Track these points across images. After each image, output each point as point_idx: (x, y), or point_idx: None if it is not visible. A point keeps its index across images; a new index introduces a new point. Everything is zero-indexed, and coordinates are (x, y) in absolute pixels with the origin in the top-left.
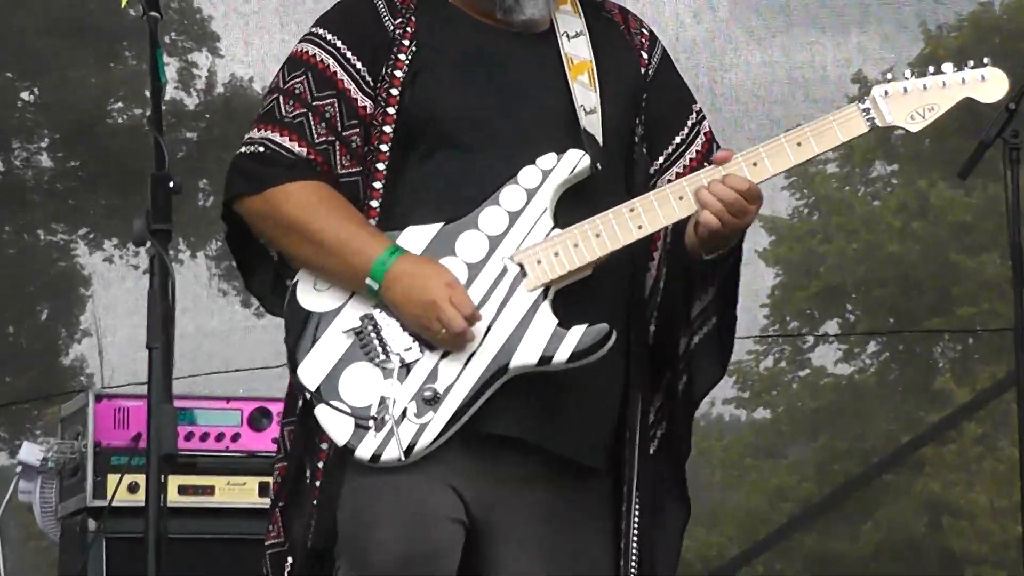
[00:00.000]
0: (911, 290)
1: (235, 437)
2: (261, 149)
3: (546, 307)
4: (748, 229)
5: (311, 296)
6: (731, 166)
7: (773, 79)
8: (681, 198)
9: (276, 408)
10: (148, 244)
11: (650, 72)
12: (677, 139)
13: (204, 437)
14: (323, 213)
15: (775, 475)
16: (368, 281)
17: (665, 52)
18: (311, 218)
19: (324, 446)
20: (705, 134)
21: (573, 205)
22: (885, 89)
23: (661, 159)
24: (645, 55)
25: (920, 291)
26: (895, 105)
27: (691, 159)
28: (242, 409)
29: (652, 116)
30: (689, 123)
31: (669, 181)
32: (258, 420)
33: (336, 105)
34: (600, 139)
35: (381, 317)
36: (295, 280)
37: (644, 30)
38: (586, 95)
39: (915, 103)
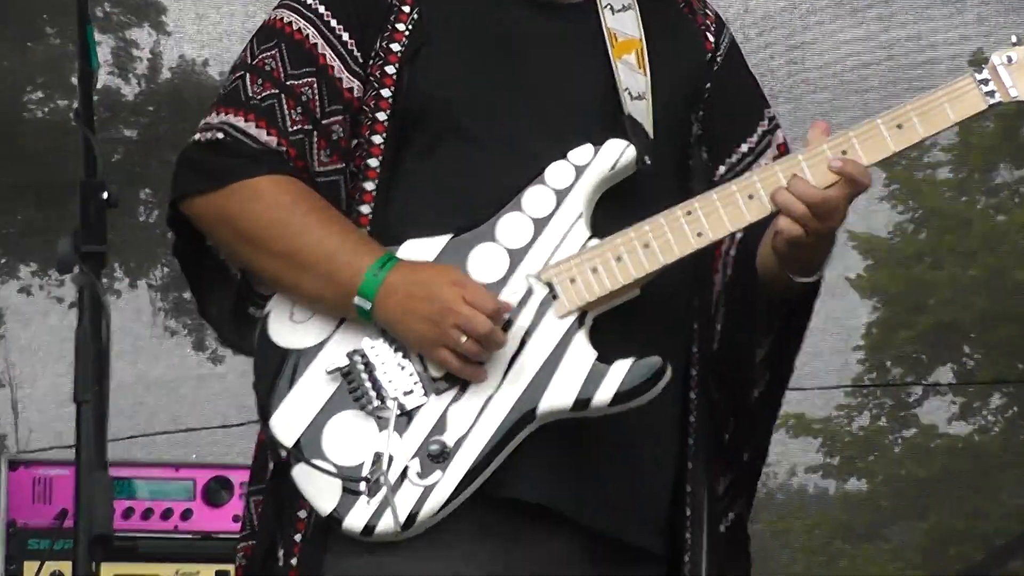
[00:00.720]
0: None
1: (186, 514)
2: (220, 136)
3: (582, 337)
4: (836, 249)
5: (287, 330)
6: (813, 156)
7: (868, 61)
8: (751, 197)
9: (239, 477)
10: (76, 270)
11: (717, 59)
12: (744, 147)
13: (147, 514)
14: (299, 216)
15: (873, 563)
16: (357, 301)
17: (734, 42)
18: (283, 223)
19: (302, 514)
20: (779, 146)
21: (615, 212)
22: (1009, 55)
23: (723, 168)
24: (712, 37)
25: None
26: (1021, 75)
27: None
28: (195, 479)
29: (715, 115)
30: (760, 130)
31: None
32: (215, 493)
33: (315, 86)
34: (650, 130)
35: (374, 353)
36: (267, 311)
37: (710, 11)
38: (633, 78)
39: None
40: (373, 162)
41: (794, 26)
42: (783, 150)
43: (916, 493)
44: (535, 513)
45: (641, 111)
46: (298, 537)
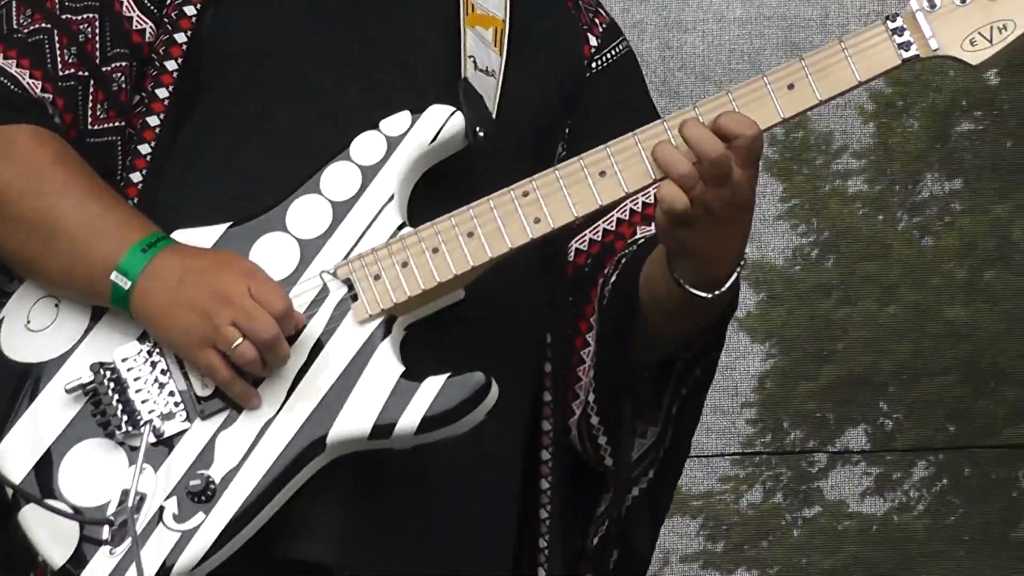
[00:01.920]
0: (985, 380)
1: None
2: None
3: (387, 349)
4: None
5: (22, 340)
6: (677, 118)
7: (762, 39)
8: (603, 174)
9: None
10: None
11: (595, 65)
12: None
13: None
14: (59, 175)
15: None
16: (114, 277)
17: (631, 56)
18: (37, 179)
19: (42, 562)
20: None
21: (442, 201)
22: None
23: None
24: (594, 41)
25: (1000, 381)
26: (945, 24)
27: (633, 211)
28: None
29: (585, 128)
30: None
31: (592, 241)
32: None
33: (97, 24)
34: (492, 108)
35: (127, 366)
36: (0, 316)
37: (602, 17)
38: (483, 51)
39: (978, 19)
40: (153, 120)
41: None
42: None
43: None
44: None
45: (487, 87)
46: None
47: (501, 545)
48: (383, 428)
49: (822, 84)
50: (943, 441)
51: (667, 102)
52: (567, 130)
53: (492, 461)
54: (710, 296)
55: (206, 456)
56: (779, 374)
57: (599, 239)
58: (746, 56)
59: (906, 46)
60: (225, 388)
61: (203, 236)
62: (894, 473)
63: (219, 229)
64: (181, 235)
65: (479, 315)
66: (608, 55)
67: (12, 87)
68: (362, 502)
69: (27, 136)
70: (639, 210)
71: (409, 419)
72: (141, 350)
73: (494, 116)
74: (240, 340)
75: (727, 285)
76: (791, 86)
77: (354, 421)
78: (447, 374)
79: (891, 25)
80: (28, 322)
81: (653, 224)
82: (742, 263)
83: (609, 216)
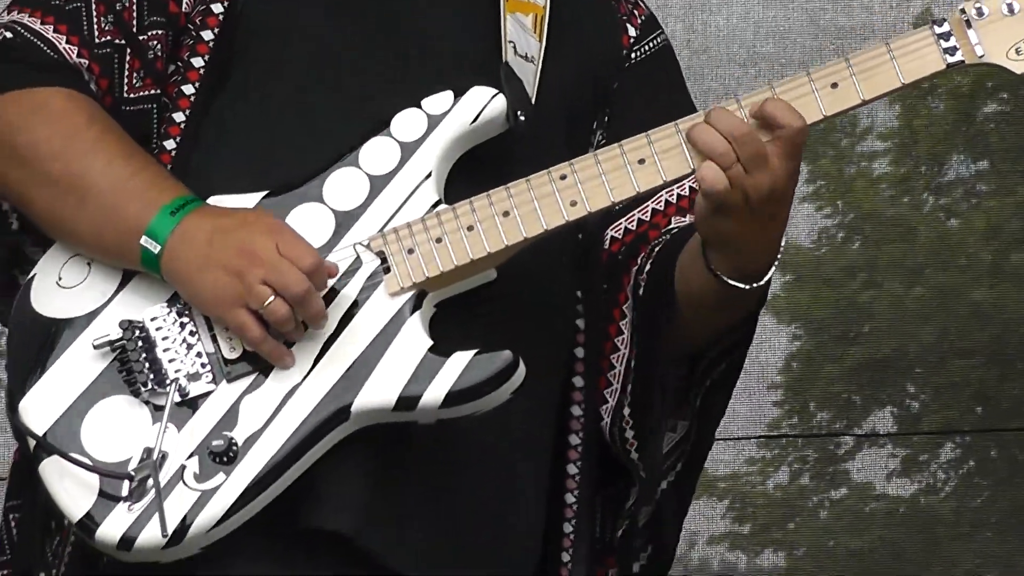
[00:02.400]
0: (1011, 362)
1: None
2: (7, 35)
3: (416, 322)
4: None
5: (52, 296)
6: (719, 110)
7: (788, 26)
8: (642, 161)
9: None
10: None
11: (634, 56)
12: None
13: None
14: (91, 135)
15: None
16: (144, 241)
17: (668, 49)
18: (69, 138)
19: (69, 551)
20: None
21: (479, 181)
22: (979, 6)
23: None
24: (632, 31)
25: None
26: (992, 32)
27: (668, 202)
28: None
29: (621, 120)
30: None
31: (627, 230)
32: None
33: None
34: (532, 93)
35: (155, 325)
36: (32, 274)
37: (642, 9)
38: (523, 37)
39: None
40: (188, 89)
41: None
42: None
43: (848, 569)
44: (344, 550)
45: (526, 72)
46: (65, 562)
47: (524, 526)
48: (408, 400)
49: (866, 85)
50: (970, 423)
51: (691, 85)
52: (607, 119)
53: (519, 442)
54: (747, 288)
55: (230, 418)
56: (805, 356)
57: (634, 228)
58: (771, 38)
59: (951, 51)
60: (256, 347)
61: (239, 203)
62: (921, 455)
63: (255, 197)
64: (216, 202)
65: (510, 295)
66: (647, 47)
67: (48, 51)
68: (387, 474)
69: (61, 98)
70: (674, 201)
71: (434, 393)
72: (171, 311)
73: (533, 101)
74: (272, 297)
75: (765, 279)
76: (835, 85)
77: (379, 392)
78: (475, 350)
79: (938, 30)
80: (59, 279)
81: (691, 214)
82: (778, 257)
83: (644, 206)
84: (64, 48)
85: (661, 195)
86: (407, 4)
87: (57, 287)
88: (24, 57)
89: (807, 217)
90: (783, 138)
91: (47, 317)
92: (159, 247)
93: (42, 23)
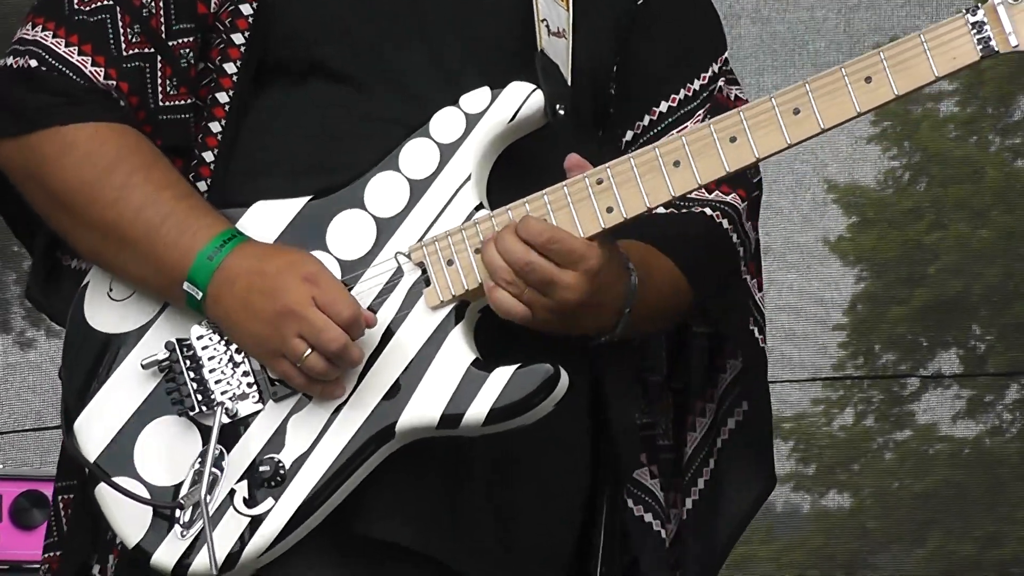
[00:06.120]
0: None
1: None
2: (32, 64)
3: (458, 336)
4: (812, 207)
5: (104, 309)
6: (722, 120)
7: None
8: (677, 164)
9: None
10: None
11: None
12: (663, 106)
13: None
14: (119, 177)
15: None
16: (187, 287)
17: None
18: (98, 185)
19: (119, 539)
20: (721, 99)
21: (517, 176)
22: None
23: (629, 135)
24: None
25: None
26: None
27: None
28: (1, 494)
29: (631, 64)
30: (693, 85)
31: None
32: (25, 512)
33: None
34: (567, 75)
35: (202, 344)
36: (85, 282)
37: None
38: (553, 8)
39: None
40: (223, 97)
41: None
42: (730, 104)
43: (912, 511)
44: (400, 556)
45: (559, 50)
46: (112, 565)
47: (573, 492)
48: (451, 419)
49: (899, 78)
50: None
51: None
52: (615, 77)
53: (563, 432)
54: (603, 340)
55: (277, 439)
56: (870, 298)
57: None
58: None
59: (985, 41)
60: (302, 391)
61: (283, 208)
62: (986, 396)
63: (299, 202)
64: (262, 206)
65: None
66: None
67: (75, 78)
68: (439, 477)
69: (89, 135)
70: None
71: (477, 410)
72: (216, 327)
73: (569, 83)
74: (308, 352)
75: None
76: (868, 79)
77: (423, 410)
78: (516, 365)
79: (971, 19)
80: (110, 290)
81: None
82: (627, 311)
83: None
84: (90, 72)
85: None
86: None
87: (108, 299)
88: (53, 88)
89: (873, 159)
90: (554, 254)
91: (100, 331)
92: (201, 293)
93: (66, 44)
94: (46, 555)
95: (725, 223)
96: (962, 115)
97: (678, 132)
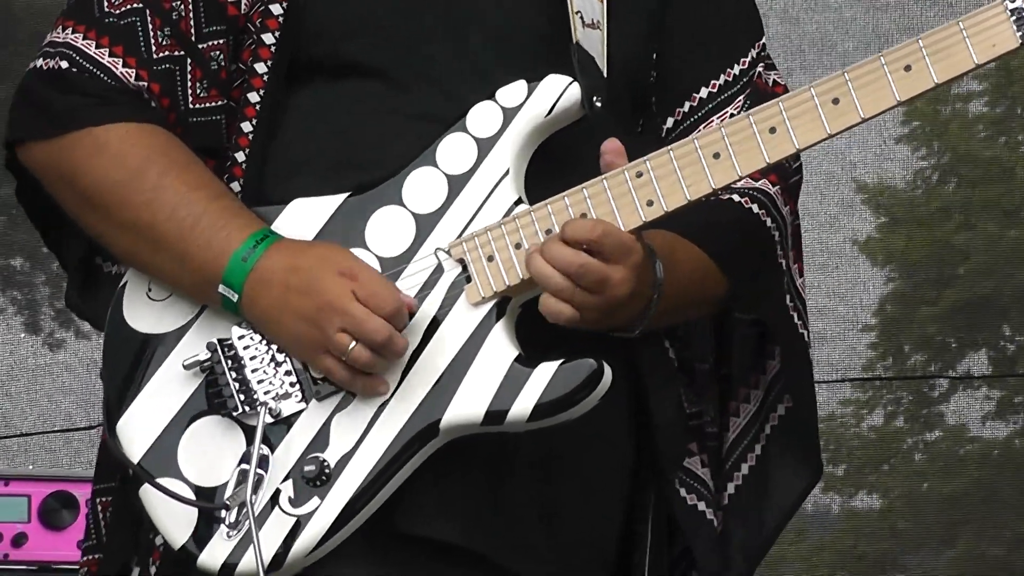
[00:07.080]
0: None
1: (18, 540)
2: (63, 65)
3: (500, 331)
4: (840, 207)
5: (143, 309)
6: (761, 111)
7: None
8: (717, 156)
9: (85, 493)
10: None
11: None
12: (703, 92)
13: None
14: (152, 178)
15: None
16: (222, 290)
17: None
18: (130, 186)
19: (159, 541)
20: (761, 85)
21: (554, 170)
22: None
23: (670, 121)
24: None
25: None
26: None
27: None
28: (31, 495)
29: (669, 51)
30: (733, 70)
31: None
32: (56, 513)
33: (190, 0)
34: (603, 66)
35: (243, 344)
36: (123, 282)
37: None
38: (587, 1)
39: None
40: (253, 96)
41: None
42: (767, 93)
43: (942, 513)
44: (448, 554)
45: (594, 41)
46: (153, 568)
47: (616, 487)
48: (496, 415)
49: (939, 67)
50: None
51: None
52: (655, 66)
53: (605, 427)
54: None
55: (321, 438)
56: (900, 298)
57: None
58: None
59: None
60: (346, 388)
61: (321, 206)
62: (1016, 397)
63: (337, 199)
64: (300, 204)
65: None
66: None
67: (106, 79)
68: (485, 480)
69: (120, 135)
70: None
71: (522, 406)
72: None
73: (605, 75)
74: (353, 344)
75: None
76: (908, 67)
77: (467, 407)
78: (560, 360)
79: (1010, 5)
80: (149, 290)
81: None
82: (655, 301)
83: None
84: (121, 73)
85: None
86: None
87: (148, 299)
88: (84, 89)
89: (903, 158)
90: (607, 249)
91: (140, 332)
92: (237, 295)
93: (97, 46)
94: (85, 558)
95: (755, 207)
96: (991, 115)
97: (718, 119)
